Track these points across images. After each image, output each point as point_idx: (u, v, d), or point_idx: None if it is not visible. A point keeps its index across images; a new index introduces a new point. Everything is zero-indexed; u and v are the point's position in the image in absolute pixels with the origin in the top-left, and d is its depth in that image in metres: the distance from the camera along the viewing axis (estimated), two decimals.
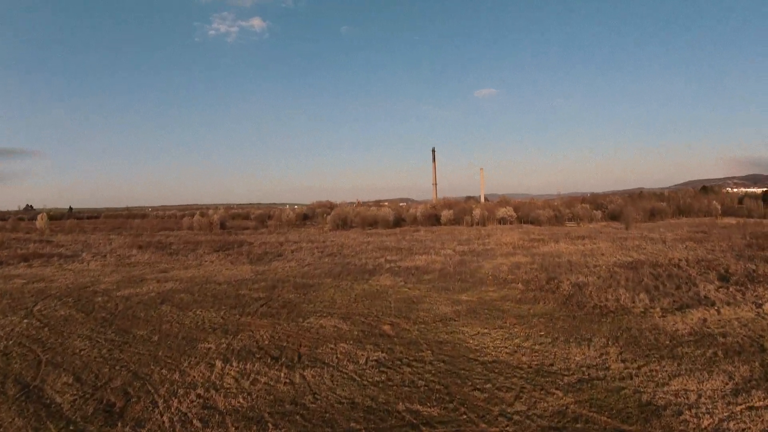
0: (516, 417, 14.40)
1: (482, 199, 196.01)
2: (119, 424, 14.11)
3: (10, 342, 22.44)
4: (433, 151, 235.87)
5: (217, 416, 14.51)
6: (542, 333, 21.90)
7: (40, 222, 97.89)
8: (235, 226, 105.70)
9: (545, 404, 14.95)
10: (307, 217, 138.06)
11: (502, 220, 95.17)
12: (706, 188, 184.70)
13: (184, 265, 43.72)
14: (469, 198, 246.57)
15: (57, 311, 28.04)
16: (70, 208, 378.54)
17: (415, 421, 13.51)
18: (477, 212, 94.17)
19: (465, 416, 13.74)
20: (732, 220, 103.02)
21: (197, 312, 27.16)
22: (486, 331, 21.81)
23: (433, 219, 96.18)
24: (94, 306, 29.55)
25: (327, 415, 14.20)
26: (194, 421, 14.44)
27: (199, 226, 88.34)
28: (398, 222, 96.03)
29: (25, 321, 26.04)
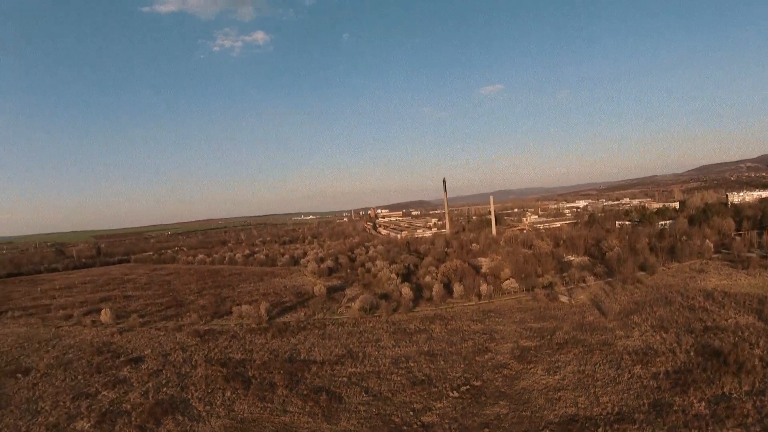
0: None
1: (493, 230, 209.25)
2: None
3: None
4: (444, 181, 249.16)
5: None
6: None
7: None
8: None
9: None
10: (332, 270, 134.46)
11: (507, 292, 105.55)
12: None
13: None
14: (480, 221, 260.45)
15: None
16: (98, 249, 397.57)
17: None
18: (484, 288, 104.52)
19: None
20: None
21: None
22: None
23: (446, 294, 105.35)
24: None
25: None
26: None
27: (248, 315, 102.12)
28: (417, 298, 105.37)
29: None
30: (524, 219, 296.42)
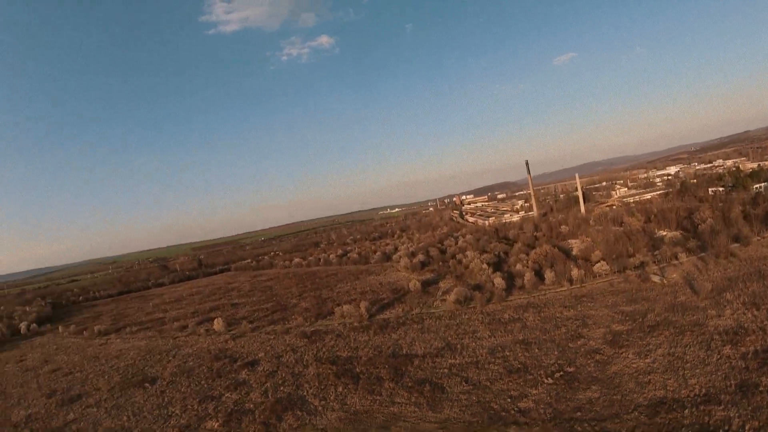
0: None
1: (582, 208, 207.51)
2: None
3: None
4: (527, 163, 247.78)
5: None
6: None
7: None
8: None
9: None
10: (424, 264, 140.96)
11: (599, 275, 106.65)
12: None
13: None
14: (568, 199, 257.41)
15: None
16: (199, 261, 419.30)
17: None
18: (575, 272, 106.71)
19: None
20: None
21: None
22: None
23: (538, 281, 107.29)
24: None
25: None
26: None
27: (350, 315, 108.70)
28: (509, 287, 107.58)
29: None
30: (613, 193, 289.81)
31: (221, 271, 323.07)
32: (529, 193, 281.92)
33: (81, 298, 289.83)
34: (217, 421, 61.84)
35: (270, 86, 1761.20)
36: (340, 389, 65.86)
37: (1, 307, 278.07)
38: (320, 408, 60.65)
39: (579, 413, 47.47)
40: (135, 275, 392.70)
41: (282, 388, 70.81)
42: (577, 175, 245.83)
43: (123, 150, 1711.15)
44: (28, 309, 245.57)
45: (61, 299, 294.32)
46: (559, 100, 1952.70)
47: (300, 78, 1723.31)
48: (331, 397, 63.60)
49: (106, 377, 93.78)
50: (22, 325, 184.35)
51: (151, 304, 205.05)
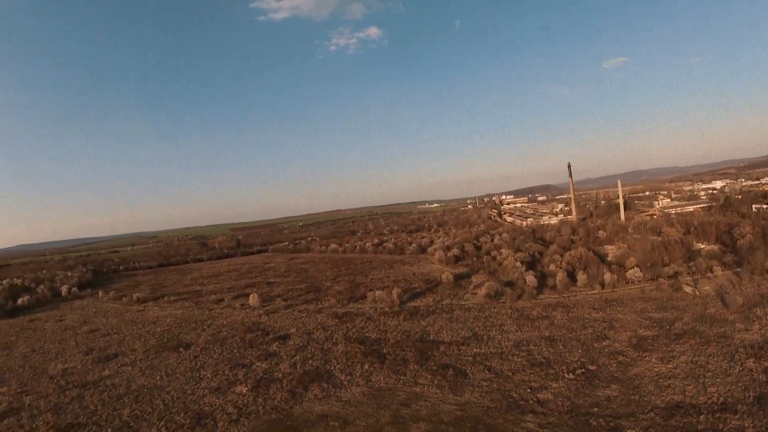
0: None
1: (622, 216, 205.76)
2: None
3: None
4: (569, 166, 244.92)
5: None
6: None
7: None
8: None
9: None
10: (458, 258, 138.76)
11: (631, 281, 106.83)
12: None
13: None
14: (609, 207, 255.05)
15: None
16: (238, 242, 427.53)
17: None
18: (608, 276, 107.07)
19: None
20: None
21: None
22: None
23: (569, 282, 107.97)
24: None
25: None
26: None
27: (381, 300, 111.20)
28: (541, 286, 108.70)
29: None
30: (655, 203, 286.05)
31: (258, 252, 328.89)
32: (570, 197, 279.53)
33: (121, 267, 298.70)
34: (246, 386, 64.87)
35: (316, 75, 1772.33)
36: (366, 367, 68.33)
37: (44, 271, 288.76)
38: (345, 382, 63.23)
39: (596, 409, 48.90)
40: (174, 250, 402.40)
41: (310, 361, 73.64)
42: (619, 182, 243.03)
43: (172, 130, 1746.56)
44: (69, 274, 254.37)
45: (101, 267, 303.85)
46: (607, 105, 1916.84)
47: (346, 68, 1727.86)
48: (357, 373, 66.12)
49: (142, 340, 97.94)
50: (63, 288, 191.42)
51: (189, 277, 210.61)
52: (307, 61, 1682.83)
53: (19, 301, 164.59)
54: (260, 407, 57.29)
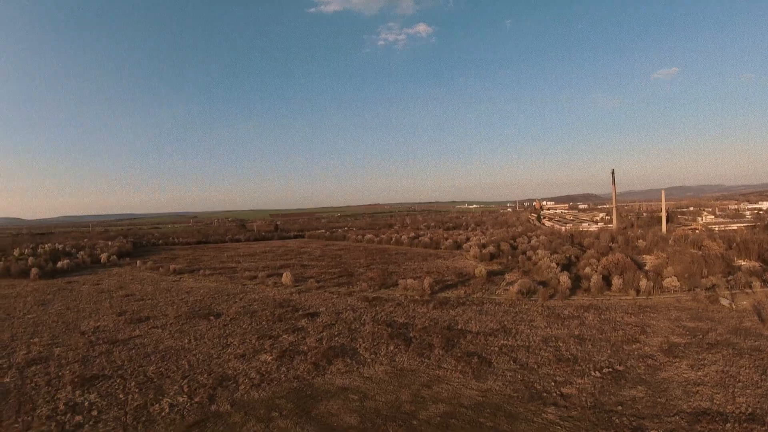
0: None
1: (663, 227, 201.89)
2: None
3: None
4: (613, 173, 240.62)
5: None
6: None
7: None
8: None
9: None
10: (493, 256, 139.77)
11: (667, 290, 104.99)
12: None
13: None
14: (651, 218, 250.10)
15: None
16: (276, 227, 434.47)
17: None
18: (643, 283, 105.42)
19: None
20: None
21: None
22: None
23: (604, 286, 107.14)
24: None
25: None
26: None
27: (413, 288, 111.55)
28: (574, 288, 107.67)
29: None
30: (699, 218, 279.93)
31: (295, 237, 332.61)
32: (612, 206, 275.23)
33: (160, 241, 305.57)
34: (271, 355, 66.03)
35: (363, 69, 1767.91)
36: (392, 348, 68.88)
37: (85, 240, 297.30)
38: (369, 360, 63.88)
39: (620, 407, 48.49)
40: (213, 230, 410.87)
41: (337, 338, 74.64)
42: (663, 192, 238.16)
43: (220, 117, 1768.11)
44: (110, 243, 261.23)
45: (141, 240, 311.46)
46: (654, 116, 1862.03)
47: (394, 64, 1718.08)
48: (382, 353, 66.73)
49: (175, 307, 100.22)
50: (103, 255, 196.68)
51: (225, 254, 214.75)
52: (354, 55, 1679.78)
53: (59, 264, 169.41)
54: (282, 375, 58.30)
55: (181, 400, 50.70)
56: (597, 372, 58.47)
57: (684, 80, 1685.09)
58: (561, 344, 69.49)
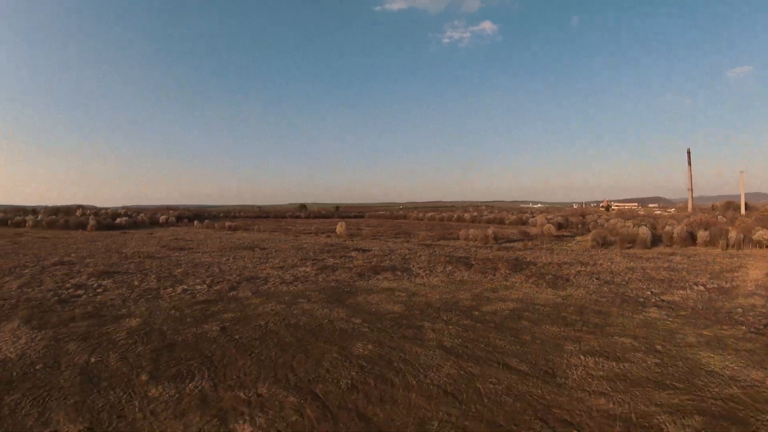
0: None
1: (742, 209, 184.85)
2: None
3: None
4: (689, 152, 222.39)
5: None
6: None
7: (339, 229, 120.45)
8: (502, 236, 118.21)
9: None
10: (561, 226, 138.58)
11: (759, 244, 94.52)
12: None
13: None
14: (728, 204, 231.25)
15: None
16: (337, 207, 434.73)
17: None
18: (732, 235, 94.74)
19: None
20: None
21: None
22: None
23: (688, 239, 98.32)
24: None
25: None
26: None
27: (474, 238, 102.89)
28: (655, 242, 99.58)
29: None
30: None
31: (354, 217, 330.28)
32: (688, 188, 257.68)
33: (221, 214, 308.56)
34: (313, 268, 58.58)
35: (428, 67, 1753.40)
36: (450, 268, 60.23)
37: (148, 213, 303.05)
38: (422, 274, 55.47)
39: (740, 310, 38.70)
40: (274, 209, 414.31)
41: (388, 262, 66.67)
42: (742, 174, 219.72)
43: (284, 113, 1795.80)
44: (171, 211, 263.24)
45: (203, 214, 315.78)
46: (728, 117, 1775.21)
47: (459, 62, 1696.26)
48: (438, 270, 58.26)
49: (221, 243, 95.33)
50: (162, 218, 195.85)
51: (282, 222, 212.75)
52: (419, 53, 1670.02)
53: (118, 220, 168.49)
54: (321, 279, 50.63)
55: (198, 287, 43.71)
56: (701, 286, 48.33)
57: (758, 78, 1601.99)
58: (650, 272, 59.25)
